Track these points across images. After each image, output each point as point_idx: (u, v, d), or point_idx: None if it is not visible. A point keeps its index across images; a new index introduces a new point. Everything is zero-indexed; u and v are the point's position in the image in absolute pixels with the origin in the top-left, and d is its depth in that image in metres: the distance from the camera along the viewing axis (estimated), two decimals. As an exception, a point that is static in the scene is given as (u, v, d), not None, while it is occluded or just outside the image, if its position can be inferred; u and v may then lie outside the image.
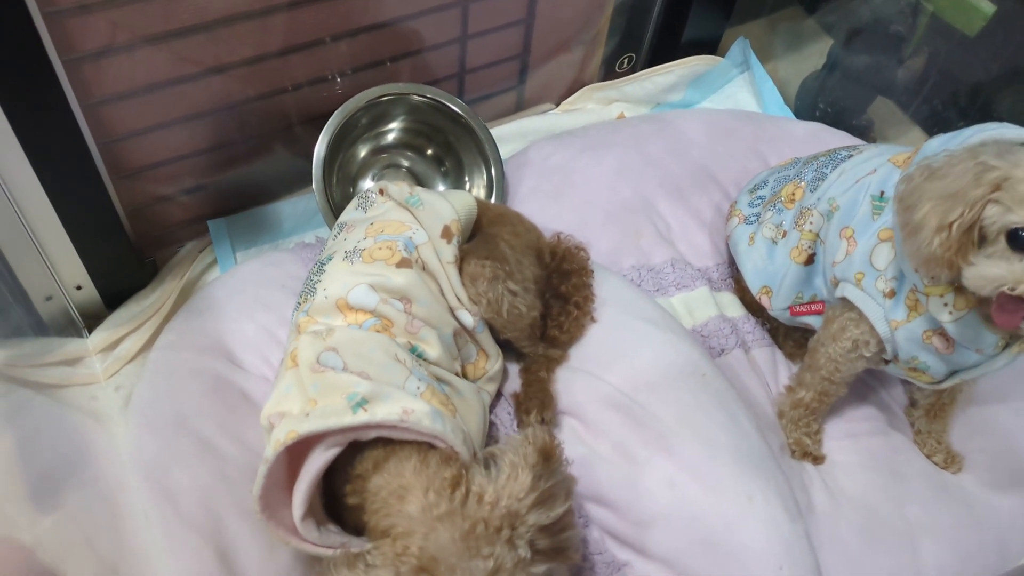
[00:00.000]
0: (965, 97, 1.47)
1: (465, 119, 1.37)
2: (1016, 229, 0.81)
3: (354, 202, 1.14)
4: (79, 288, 1.23)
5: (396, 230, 1.05)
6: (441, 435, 0.87)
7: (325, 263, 1.05)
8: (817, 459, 1.17)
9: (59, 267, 1.19)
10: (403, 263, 1.02)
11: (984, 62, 1.41)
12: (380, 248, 1.03)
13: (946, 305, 0.96)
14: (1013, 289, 0.81)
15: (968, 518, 1.12)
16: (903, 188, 0.92)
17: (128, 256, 1.28)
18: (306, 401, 0.89)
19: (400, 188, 1.11)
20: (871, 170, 1.09)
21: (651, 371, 1.12)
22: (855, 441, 1.19)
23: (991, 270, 0.83)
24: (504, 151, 1.53)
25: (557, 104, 1.67)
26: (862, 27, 1.49)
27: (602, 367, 1.13)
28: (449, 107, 1.36)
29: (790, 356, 1.28)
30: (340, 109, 1.29)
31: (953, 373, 1.05)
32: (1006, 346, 0.99)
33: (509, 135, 1.58)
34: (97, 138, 1.17)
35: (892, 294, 1.02)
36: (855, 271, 1.05)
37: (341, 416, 0.86)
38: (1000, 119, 1.45)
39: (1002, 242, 0.83)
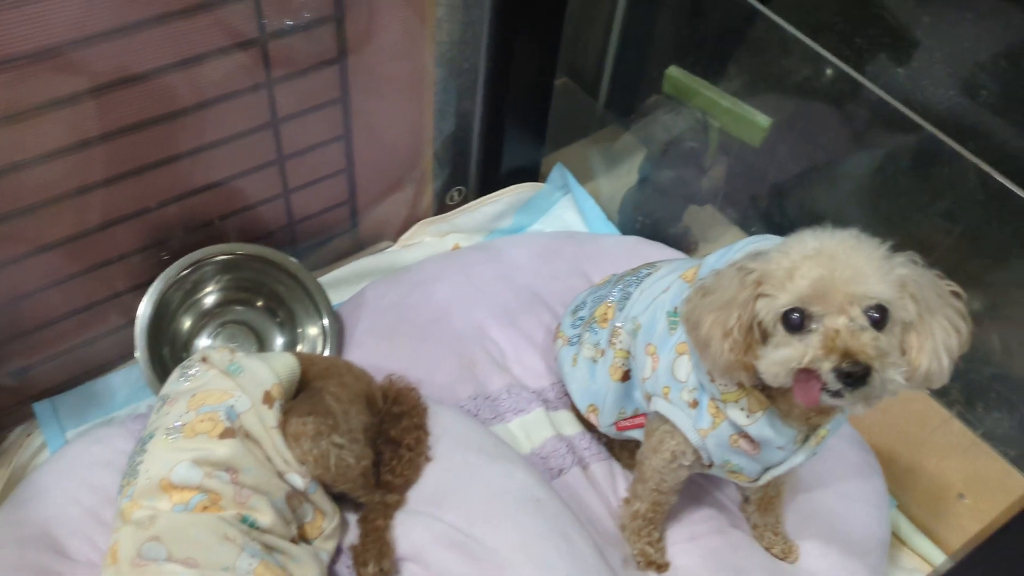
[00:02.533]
0: (764, 199, 1.59)
1: (293, 271, 1.40)
2: (786, 312, 0.88)
3: (176, 372, 1.14)
4: None
5: (218, 399, 1.06)
6: None
7: (147, 441, 1.04)
8: (661, 567, 1.20)
9: None
10: (226, 433, 1.02)
11: (773, 168, 1.54)
12: (202, 421, 1.03)
13: (742, 409, 1.02)
14: (800, 363, 0.87)
15: (807, 606, 1.16)
16: (686, 309, 0.99)
17: (-52, 450, 1.24)
18: (126, 601, 0.87)
19: (221, 355, 1.11)
20: (665, 288, 1.16)
21: (485, 503, 1.14)
22: (696, 544, 1.22)
23: (777, 355, 0.89)
24: (345, 293, 1.57)
25: (395, 240, 1.72)
26: (666, 144, 1.61)
27: (438, 505, 1.15)
28: (275, 261, 1.39)
29: (627, 467, 1.32)
30: (161, 276, 1.31)
31: (767, 470, 1.10)
32: (805, 440, 1.05)
33: (349, 277, 1.62)
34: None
35: (695, 404, 1.07)
36: (662, 385, 1.11)
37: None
38: (791, 216, 1.59)
39: (780, 330, 0.89)
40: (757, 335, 0.92)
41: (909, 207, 1.42)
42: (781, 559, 1.23)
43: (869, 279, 0.85)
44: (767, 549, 1.24)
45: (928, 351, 0.87)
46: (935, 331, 0.87)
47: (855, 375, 0.82)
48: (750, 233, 1.66)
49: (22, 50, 1.06)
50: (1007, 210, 1.23)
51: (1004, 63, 1.37)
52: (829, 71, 1.39)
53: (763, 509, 1.24)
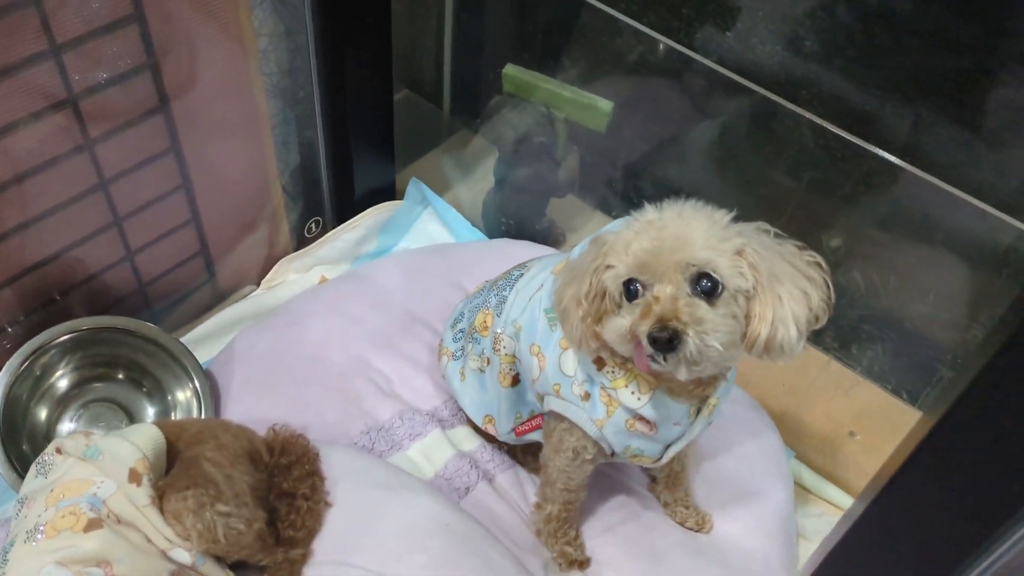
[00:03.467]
0: (620, 181, 1.61)
1: (151, 336, 1.31)
2: (626, 282, 0.89)
3: (33, 469, 1.04)
4: None
5: (78, 490, 0.97)
6: None
7: (8, 550, 0.95)
8: (583, 564, 1.19)
9: None
10: (92, 524, 0.94)
11: (623, 149, 1.56)
12: (63, 517, 0.95)
13: (633, 393, 1.02)
14: (626, 330, 0.87)
15: (728, 573, 1.17)
16: (555, 289, 1.00)
17: None
18: None
19: (76, 442, 1.03)
20: (539, 286, 1.15)
21: (395, 539, 1.10)
22: (612, 534, 1.22)
23: (615, 323, 0.90)
24: (214, 348, 1.49)
25: (258, 283, 1.65)
26: (515, 142, 1.60)
27: (347, 551, 1.10)
28: (129, 329, 1.30)
29: (532, 471, 1.30)
30: (4, 369, 1.21)
31: (668, 448, 1.11)
32: (698, 412, 1.06)
33: (215, 330, 1.54)
34: None
35: (587, 396, 1.06)
36: (552, 383, 1.10)
37: None
38: (648, 194, 1.61)
39: (624, 300, 0.90)
40: (611, 307, 0.92)
41: (757, 167, 1.46)
42: (696, 531, 1.25)
43: (693, 247, 0.86)
44: (681, 523, 1.25)
45: (768, 320, 0.87)
46: (783, 300, 0.87)
47: (661, 340, 0.83)
48: (612, 217, 1.68)
49: None
50: (842, 155, 1.29)
51: (820, 14, 1.42)
52: (660, 48, 1.41)
53: (671, 486, 1.25)
